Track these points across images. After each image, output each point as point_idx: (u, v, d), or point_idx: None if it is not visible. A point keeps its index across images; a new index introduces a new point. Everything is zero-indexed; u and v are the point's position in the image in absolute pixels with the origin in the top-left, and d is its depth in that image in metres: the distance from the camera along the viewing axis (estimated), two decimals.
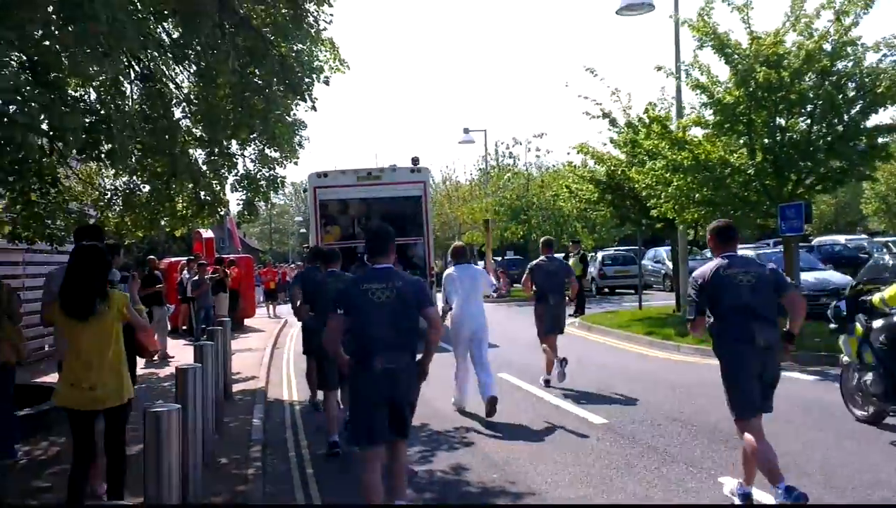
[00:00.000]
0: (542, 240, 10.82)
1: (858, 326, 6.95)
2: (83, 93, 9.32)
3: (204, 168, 10.45)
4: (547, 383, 9.66)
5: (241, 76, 8.64)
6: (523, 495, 5.51)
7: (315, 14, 9.09)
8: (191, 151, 10.56)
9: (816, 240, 26.77)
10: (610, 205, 18.82)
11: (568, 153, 26.00)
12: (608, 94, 17.81)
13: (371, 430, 4.63)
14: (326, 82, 10.40)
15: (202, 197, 10.97)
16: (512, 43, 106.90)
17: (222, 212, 12.67)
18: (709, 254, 19.74)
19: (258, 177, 11.17)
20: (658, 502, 5.23)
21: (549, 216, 27.44)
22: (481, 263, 28.78)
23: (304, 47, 9.87)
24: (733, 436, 6.43)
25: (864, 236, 32.84)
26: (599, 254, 28.04)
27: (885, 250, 25.75)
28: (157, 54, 8.31)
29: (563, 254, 19.90)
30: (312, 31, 9.22)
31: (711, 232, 5.23)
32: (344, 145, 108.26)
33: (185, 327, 16.74)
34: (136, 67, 9.78)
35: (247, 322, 20.65)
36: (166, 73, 10.39)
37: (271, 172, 11.33)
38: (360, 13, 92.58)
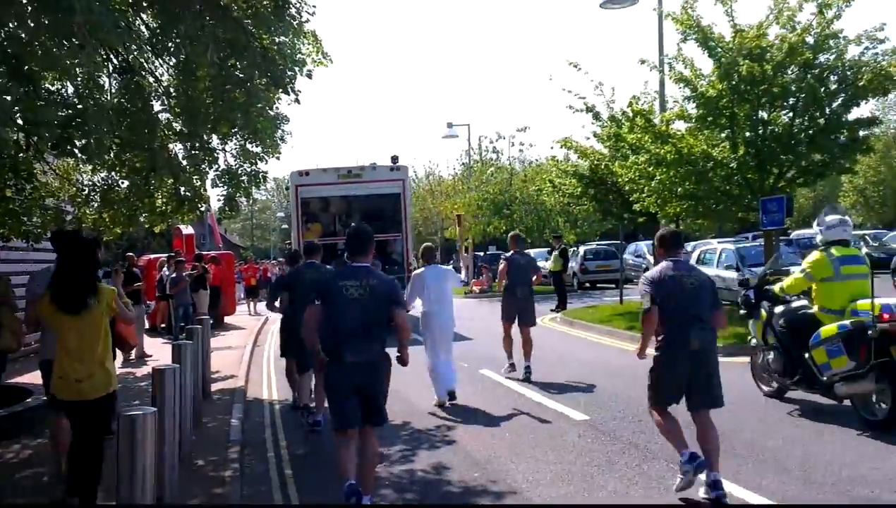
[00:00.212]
0: (511, 234, 11.13)
1: (763, 312, 7.76)
2: (60, 87, 9.14)
3: (184, 163, 10.31)
4: (512, 367, 10.04)
5: (221, 68, 8.50)
6: (504, 494, 5.47)
7: (297, 5, 8.94)
8: (170, 146, 10.40)
9: (795, 234, 26.96)
10: (593, 199, 18.86)
11: (551, 147, 25.95)
12: (592, 88, 17.74)
13: (343, 417, 5.01)
14: (309, 76, 10.27)
15: (182, 192, 10.82)
16: (496, 37, 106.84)
17: (202, 208, 12.52)
18: (689, 248, 19.87)
19: (239, 172, 11.01)
20: (638, 500, 5.21)
21: (532, 211, 27.45)
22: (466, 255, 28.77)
23: (287, 40, 9.73)
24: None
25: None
26: (581, 249, 28.11)
27: (861, 243, 26.06)
28: (135, 47, 8.12)
29: (548, 249, 19.94)
30: (295, 22, 9.08)
31: (659, 238, 5.62)
32: (326, 140, 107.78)
33: (163, 325, 16.55)
34: (115, 60, 9.61)
35: (227, 319, 20.44)
36: (145, 66, 10.22)
37: (253, 167, 11.17)
38: (342, 6, 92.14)
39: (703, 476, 5.09)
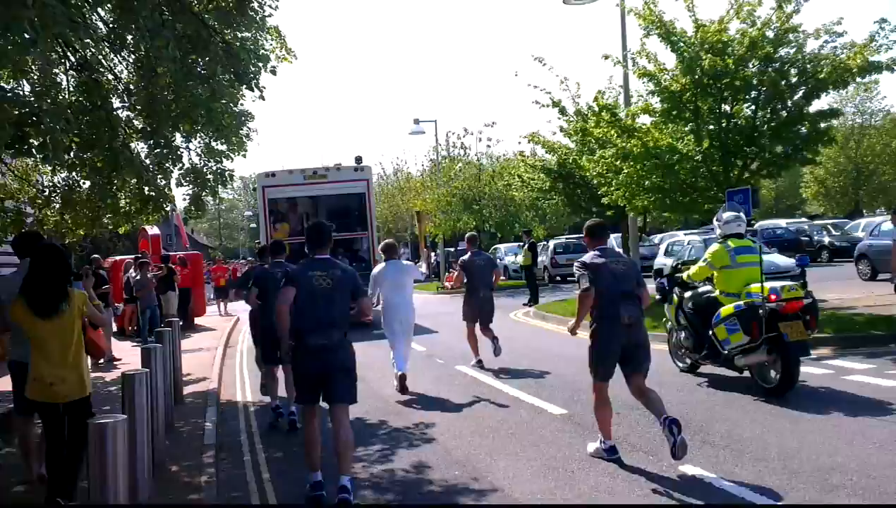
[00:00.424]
0: (467, 236, 11.33)
1: (675, 296, 8.91)
2: (15, 85, 8.85)
3: (147, 162, 10.07)
4: (480, 363, 10.35)
5: (182, 64, 8.29)
6: (486, 492, 5.42)
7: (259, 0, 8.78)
8: (133, 145, 10.15)
9: (759, 225, 27.47)
10: (561, 193, 18.95)
11: (519, 142, 26.09)
12: (557, 84, 17.83)
13: (307, 395, 5.52)
14: (273, 72, 10.09)
15: (146, 192, 10.57)
16: (461, 32, 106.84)
17: (168, 208, 12.26)
18: (657, 240, 20.16)
19: (205, 170, 10.79)
20: (621, 494, 5.20)
21: (501, 206, 27.48)
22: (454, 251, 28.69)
23: (250, 35, 9.55)
24: (691, 423, 6.54)
25: (804, 220, 33.87)
26: (551, 243, 28.25)
27: (824, 232, 26.67)
28: (91, 42, 7.88)
29: (518, 244, 19.97)
30: (258, 17, 8.91)
31: (587, 229, 6.31)
32: (293, 138, 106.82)
33: (134, 328, 16.23)
34: (71, 58, 9.34)
35: (197, 320, 20.13)
36: (104, 63, 9.95)
37: (218, 166, 10.95)
38: (306, 3, 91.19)
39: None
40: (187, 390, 9.91)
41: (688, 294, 8.69)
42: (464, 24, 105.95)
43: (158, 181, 10.52)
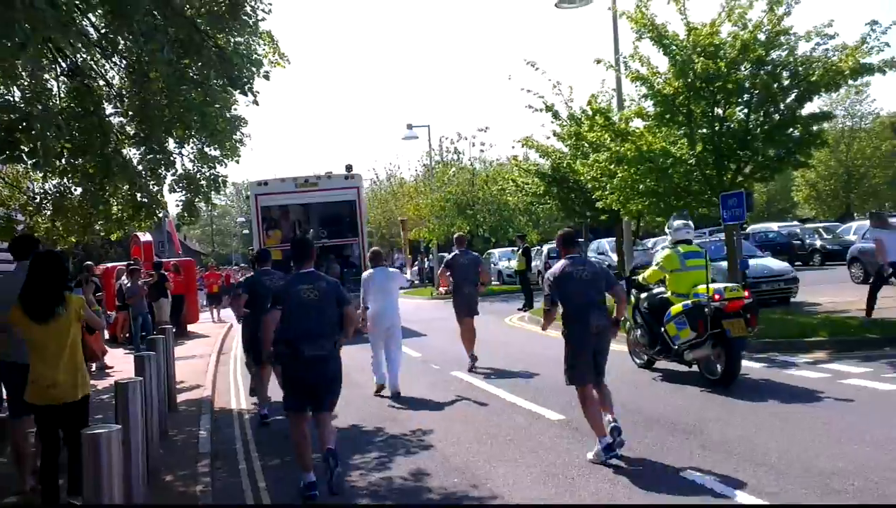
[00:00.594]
0: (455, 236, 11.84)
1: (633, 297, 9.54)
2: (5, 91, 8.77)
3: (139, 168, 9.99)
4: (473, 358, 10.66)
5: (175, 69, 8.23)
6: (486, 499, 5.37)
7: (253, 3, 8.72)
8: (125, 151, 10.08)
9: (751, 228, 27.54)
10: (555, 198, 18.92)
11: (513, 147, 26.14)
12: (550, 88, 17.88)
13: (297, 402, 5.78)
14: (266, 77, 10.04)
15: (138, 198, 10.48)
16: (454, 37, 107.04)
17: (160, 215, 12.18)
18: (650, 244, 20.29)
19: (198, 176, 10.73)
20: (620, 499, 5.17)
21: (494, 210, 27.45)
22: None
23: (242, 40, 9.50)
24: (692, 429, 6.52)
25: (796, 223, 33.98)
26: (545, 248, 28.22)
27: (816, 236, 26.75)
28: (83, 47, 7.81)
29: (512, 249, 19.93)
30: (251, 21, 8.85)
31: (558, 239, 6.70)
32: (285, 143, 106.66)
33: (126, 335, 16.11)
34: (62, 63, 9.26)
35: (190, 327, 20.01)
36: (95, 68, 9.88)
37: (212, 171, 10.89)
38: (299, 7, 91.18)
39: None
40: (181, 398, 9.81)
41: (643, 295, 9.42)
42: (456, 28, 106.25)
43: (151, 187, 10.45)
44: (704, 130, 13.05)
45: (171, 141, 10.15)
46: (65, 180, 10.45)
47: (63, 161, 9.40)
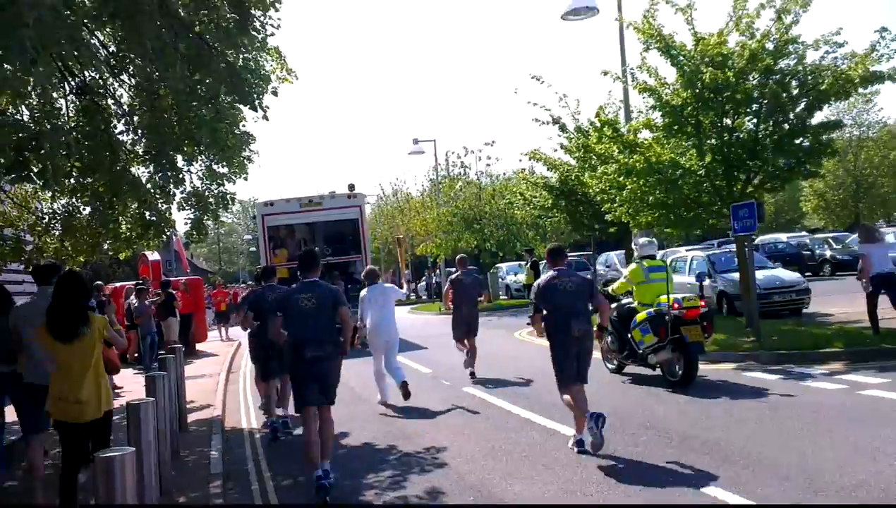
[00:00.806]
0: (458, 257, 12.31)
1: None
2: (14, 112, 8.78)
3: (148, 186, 9.98)
4: (472, 375, 11.08)
5: (186, 84, 8.23)
6: None
7: (261, 19, 8.72)
8: (134, 169, 10.07)
9: (760, 239, 27.36)
10: (563, 211, 18.85)
11: (520, 160, 26.01)
12: (556, 101, 17.85)
13: (305, 399, 6.31)
14: (275, 93, 10.07)
15: (147, 217, 10.48)
16: (459, 51, 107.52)
17: (169, 233, 12.17)
18: (658, 256, 20.22)
19: (206, 194, 10.71)
20: None
21: (502, 224, 27.41)
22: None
23: (251, 56, 9.51)
24: (708, 443, 6.40)
25: (804, 234, 33.79)
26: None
27: (825, 246, 26.57)
28: (92, 63, 7.79)
29: (519, 263, 19.87)
30: (259, 36, 8.86)
31: (547, 252, 7.33)
32: (290, 160, 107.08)
33: (135, 355, 16.05)
34: (71, 82, 9.28)
35: (199, 346, 19.96)
36: (104, 87, 9.89)
37: (220, 189, 10.88)
38: (305, 24, 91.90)
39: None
40: (191, 417, 9.74)
41: (614, 305, 10.02)
42: (462, 42, 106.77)
43: (160, 205, 10.44)
44: (713, 141, 13.00)
45: (179, 158, 10.14)
46: (73, 199, 10.45)
47: (72, 180, 9.40)
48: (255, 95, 8.96)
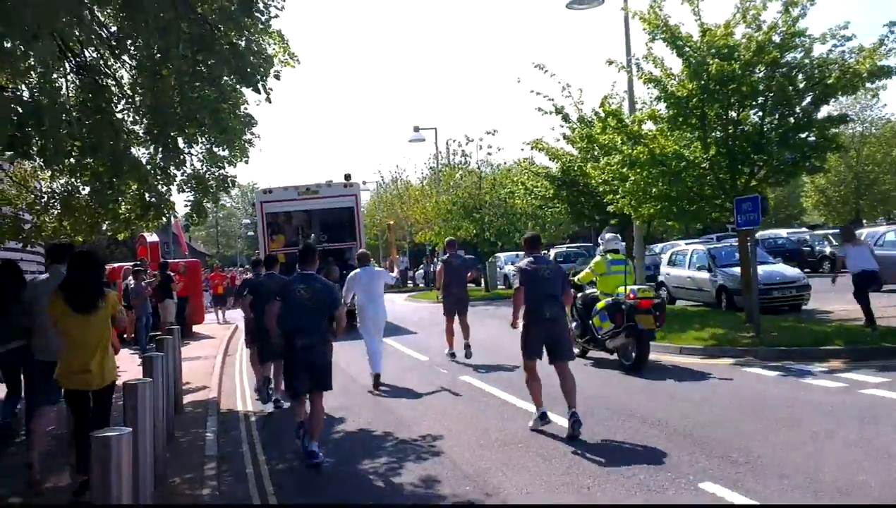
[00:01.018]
0: (447, 240, 13.38)
1: None
2: (14, 88, 8.68)
3: (148, 167, 9.89)
4: (452, 356, 11.73)
5: (189, 64, 8.14)
6: None
7: (265, 0, 8.61)
8: (134, 150, 9.98)
9: (759, 234, 27.29)
10: (565, 201, 18.78)
11: (522, 149, 25.90)
12: (559, 90, 17.71)
13: (296, 388, 6.75)
14: (277, 76, 9.93)
15: (147, 198, 10.39)
16: (462, 39, 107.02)
17: (168, 215, 12.10)
18: (657, 250, 20.59)
19: (207, 176, 10.63)
20: None
21: (501, 214, 27.33)
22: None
23: (253, 39, 9.40)
24: (708, 439, 6.38)
25: (804, 229, 33.73)
26: (552, 252, 28.06)
27: (825, 242, 26.51)
28: (94, 39, 7.70)
29: (516, 253, 19.85)
30: (263, 18, 8.76)
31: (524, 240, 7.78)
32: (290, 145, 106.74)
33: (131, 335, 16.02)
34: (72, 61, 9.18)
35: (196, 328, 19.95)
36: (105, 68, 9.78)
37: (221, 172, 10.80)
38: (306, 9, 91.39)
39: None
40: (187, 399, 9.72)
41: (579, 294, 10.89)
42: (465, 30, 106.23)
43: (160, 187, 10.35)
44: (718, 133, 12.92)
45: (180, 140, 10.06)
46: (73, 179, 10.36)
47: (72, 159, 9.32)
48: (258, 77, 8.86)
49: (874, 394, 7.67)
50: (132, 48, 9.08)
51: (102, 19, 9.12)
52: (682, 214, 14.06)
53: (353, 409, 8.87)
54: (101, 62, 9.61)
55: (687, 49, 12.39)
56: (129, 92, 9.76)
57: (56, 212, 10.76)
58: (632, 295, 9.93)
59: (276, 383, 9.29)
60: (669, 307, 17.34)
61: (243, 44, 9.01)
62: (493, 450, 6.65)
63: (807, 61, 12.19)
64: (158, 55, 8.28)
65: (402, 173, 43.27)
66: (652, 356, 11.28)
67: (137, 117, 9.62)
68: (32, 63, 7.64)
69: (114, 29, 9.19)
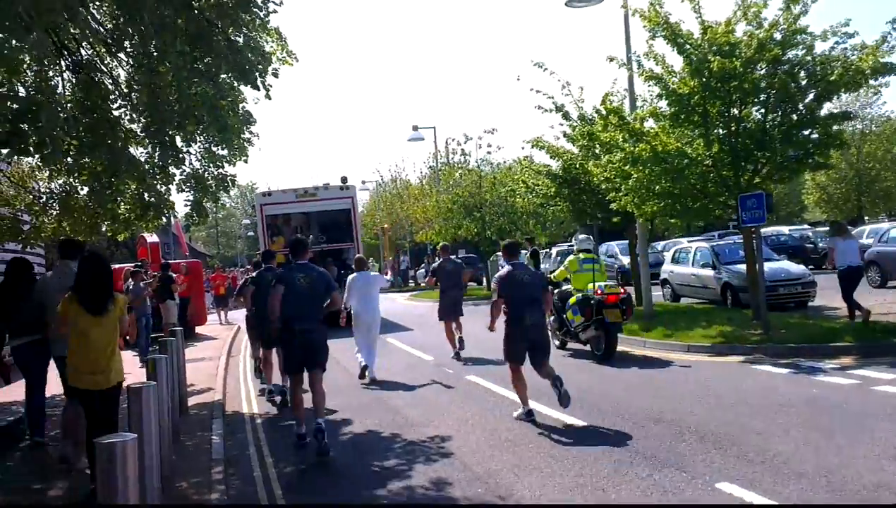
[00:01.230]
0: (440, 245, 14.12)
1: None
2: (11, 86, 8.57)
3: (147, 166, 9.78)
4: (457, 356, 11.94)
5: (186, 61, 8.03)
6: None
7: None
8: (132, 149, 9.86)
9: (762, 231, 27.19)
10: (566, 199, 18.65)
11: (522, 148, 25.69)
12: (559, 88, 17.61)
13: (294, 365, 7.28)
14: (275, 74, 9.85)
15: (146, 198, 10.28)
16: (461, 37, 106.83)
17: (168, 215, 11.99)
18: (659, 247, 20.83)
19: (206, 176, 10.52)
20: None
21: (502, 213, 27.23)
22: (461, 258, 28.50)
23: (252, 34, 9.30)
24: (722, 438, 6.28)
25: (806, 226, 33.65)
26: (554, 250, 27.93)
27: (828, 239, 26.40)
28: (89, 35, 7.57)
29: (523, 251, 19.74)
30: (261, 13, 8.65)
31: (504, 248, 8.20)
32: (289, 144, 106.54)
33: (133, 339, 15.89)
34: (68, 59, 9.06)
35: (198, 329, 19.85)
36: (101, 66, 9.66)
37: (220, 171, 10.70)
38: (303, 8, 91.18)
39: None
40: (192, 401, 9.61)
41: (556, 290, 11.64)
42: (464, 28, 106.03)
43: (159, 186, 10.24)
44: (720, 131, 12.83)
45: (178, 139, 9.95)
46: (71, 179, 10.25)
47: (70, 159, 9.20)
48: (256, 74, 8.75)
49: (888, 391, 7.57)
50: (129, 45, 8.97)
51: (99, 17, 9.01)
52: (686, 212, 13.94)
53: (360, 410, 8.76)
54: (98, 59, 9.50)
55: (688, 46, 12.31)
56: (125, 90, 9.65)
57: (55, 212, 10.64)
58: (599, 291, 10.79)
59: (266, 375, 9.85)
60: (674, 305, 17.32)
61: (241, 40, 8.91)
62: (504, 451, 6.55)
63: (809, 58, 12.10)
64: (155, 53, 8.17)
65: (401, 172, 43.16)
66: (659, 354, 11.22)
67: (135, 115, 9.51)
68: (28, 60, 7.53)
69: (110, 26, 9.08)
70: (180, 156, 9.93)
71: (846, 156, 36.82)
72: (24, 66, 7.95)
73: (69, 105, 8.64)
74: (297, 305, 7.08)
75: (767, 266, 14.83)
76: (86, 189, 10.31)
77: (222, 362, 13.28)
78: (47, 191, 11.10)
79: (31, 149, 6.72)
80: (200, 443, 7.50)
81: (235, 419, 8.99)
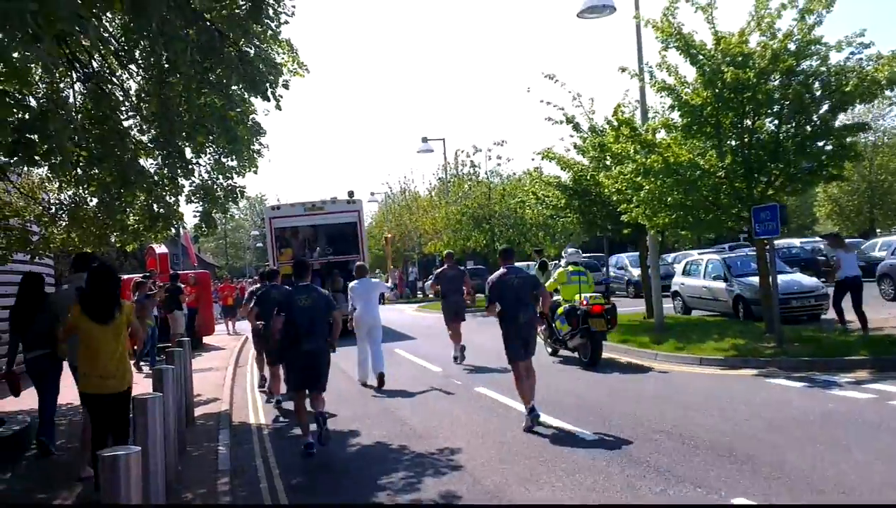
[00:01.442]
0: (445, 252, 14.65)
1: None
2: (20, 97, 8.57)
3: (156, 177, 9.77)
4: (455, 359, 12.57)
5: (197, 71, 8.02)
6: None
7: (274, 6, 8.49)
8: (142, 160, 9.87)
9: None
10: (577, 211, 18.57)
11: (532, 159, 25.60)
12: (570, 100, 17.60)
13: (299, 383, 7.59)
14: (286, 86, 9.81)
15: (155, 209, 10.27)
16: (472, 49, 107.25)
17: (177, 226, 11.99)
18: (669, 259, 20.87)
19: (215, 187, 10.50)
20: None
21: (511, 224, 27.15)
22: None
23: (263, 46, 9.30)
24: (737, 453, 6.16)
25: (818, 239, 33.37)
26: (562, 261, 27.78)
27: (823, 253, 26.15)
28: (100, 45, 7.56)
29: (527, 263, 19.70)
30: (273, 24, 8.64)
31: (500, 253, 8.69)
32: (298, 156, 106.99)
33: (141, 347, 15.86)
34: (78, 71, 9.08)
35: (206, 340, 19.82)
36: (112, 79, 9.68)
37: (229, 182, 10.68)
38: (316, 20, 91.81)
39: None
40: (198, 411, 9.55)
41: None
42: (474, 40, 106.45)
43: (168, 197, 10.24)
44: (733, 142, 12.74)
45: (188, 149, 9.95)
46: (80, 190, 10.25)
47: (79, 170, 9.20)
48: (266, 85, 8.74)
49: None
50: (139, 56, 8.98)
51: (110, 28, 9.03)
52: (698, 223, 13.81)
53: (367, 421, 8.68)
54: (108, 71, 9.51)
55: (701, 57, 12.24)
56: (135, 101, 9.66)
57: (64, 223, 10.64)
58: (584, 302, 11.52)
59: (272, 384, 10.41)
60: (685, 317, 17.16)
61: (252, 51, 8.90)
62: (515, 464, 6.44)
63: (823, 69, 11.99)
64: (166, 64, 8.17)
65: (410, 184, 43.18)
66: (673, 367, 11.10)
67: (145, 126, 9.51)
68: (39, 71, 7.52)
69: (119, 34, 9.09)
70: (190, 167, 9.93)
71: (858, 168, 36.56)
72: (36, 77, 7.96)
73: (79, 115, 8.65)
74: (302, 324, 7.41)
75: (780, 278, 14.61)
76: (95, 200, 10.31)
77: (229, 372, 13.23)
78: (56, 202, 11.10)
79: (39, 158, 6.69)
80: (207, 454, 7.44)
81: (242, 429, 8.91)
